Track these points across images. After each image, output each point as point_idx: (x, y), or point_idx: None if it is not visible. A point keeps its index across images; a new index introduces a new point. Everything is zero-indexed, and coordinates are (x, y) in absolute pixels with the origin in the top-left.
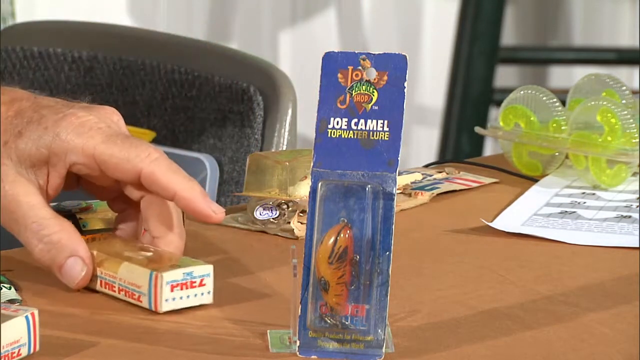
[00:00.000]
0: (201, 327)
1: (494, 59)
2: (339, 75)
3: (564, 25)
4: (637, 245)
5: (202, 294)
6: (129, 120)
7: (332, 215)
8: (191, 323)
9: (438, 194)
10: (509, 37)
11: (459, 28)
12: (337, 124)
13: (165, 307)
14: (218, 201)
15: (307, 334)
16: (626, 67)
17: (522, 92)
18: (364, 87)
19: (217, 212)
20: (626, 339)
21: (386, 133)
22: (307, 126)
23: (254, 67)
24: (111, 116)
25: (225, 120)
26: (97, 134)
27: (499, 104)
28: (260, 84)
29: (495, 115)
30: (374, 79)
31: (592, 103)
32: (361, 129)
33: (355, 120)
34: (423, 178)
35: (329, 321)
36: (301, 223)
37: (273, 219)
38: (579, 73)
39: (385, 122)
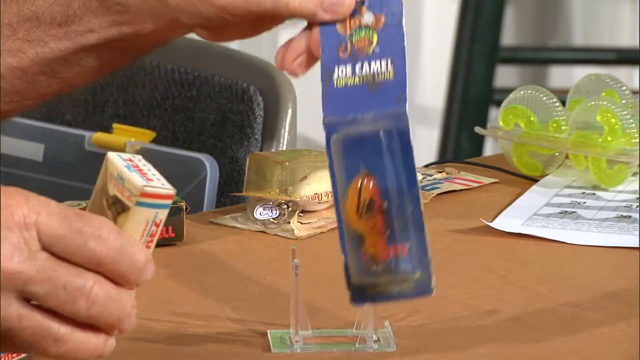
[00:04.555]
0: (201, 327)
1: (494, 59)
2: (338, 26)
3: (564, 25)
4: (637, 245)
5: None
6: (129, 120)
7: (351, 169)
8: (191, 323)
9: (438, 194)
10: (509, 37)
11: (459, 28)
12: (342, 72)
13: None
14: (218, 201)
15: (355, 286)
16: (626, 67)
17: (522, 92)
18: (362, 32)
19: None
20: (626, 339)
21: (390, 72)
22: (307, 126)
23: (254, 67)
24: None
25: (225, 120)
26: None
27: (499, 104)
28: (260, 84)
29: (495, 115)
30: (372, 23)
31: (592, 103)
32: (365, 72)
33: (359, 64)
34: (423, 178)
35: (373, 269)
36: (301, 223)
37: (273, 219)
38: (579, 73)
39: (388, 60)
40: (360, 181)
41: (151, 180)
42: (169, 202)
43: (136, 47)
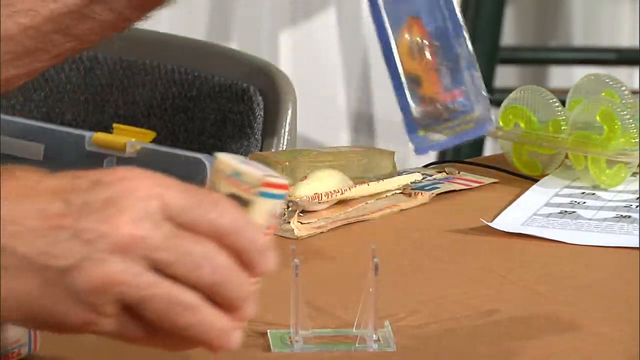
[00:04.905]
0: None
1: (494, 59)
2: None
3: (564, 25)
4: (637, 245)
5: None
6: (129, 121)
7: (399, 15)
8: None
9: (438, 194)
10: (509, 37)
11: None
12: None
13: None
14: None
15: (417, 135)
16: (626, 67)
17: (522, 92)
18: None
19: None
20: (626, 339)
21: None
22: (307, 126)
23: (254, 67)
24: None
25: (225, 120)
26: None
27: (499, 104)
28: (260, 84)
29: (495, 115)
30: None
31: (592, 103)
32: None
33: None
34: (423, 178)
35: (431, 110)
36: (301, 223)
37: None
38: (579, 73)
39: None
40: (409, 24)
41: (266, 171)
42: (286, 193)
43: None
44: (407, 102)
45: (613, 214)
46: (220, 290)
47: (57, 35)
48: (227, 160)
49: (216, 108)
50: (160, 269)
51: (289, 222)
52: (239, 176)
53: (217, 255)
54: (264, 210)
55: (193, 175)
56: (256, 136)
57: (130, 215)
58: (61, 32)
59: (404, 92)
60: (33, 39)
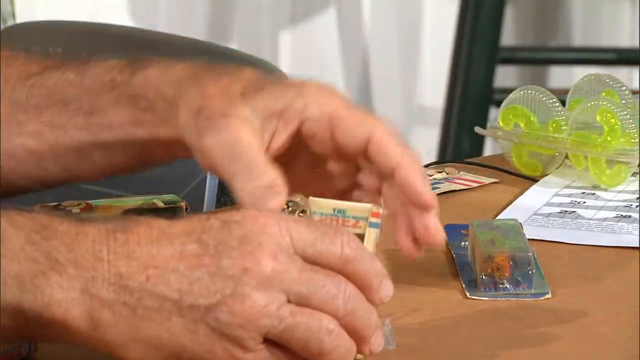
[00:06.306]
0: None
1: (494, 59)
2: None
3: (564, 25)
4: (637, 245)
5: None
6: None
7: None
8: None
9: (438, 194)
10: (509, 37)
11: (459, 28)
12: None
13: None
14: (218, 201)
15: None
16: (626, 67)
17: (522, 92)
18: None
19: (432, 202)
20: (626, 339)
21: None
22: None
23: (254, 67)
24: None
25: None
26: (338, 98)
27: (499, 104)
28: None
29: (495, 115)
30: None
31: (592, 103)
32: None
33: None
34: None
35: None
36: None
37: None
38: (579, 73)
39: None
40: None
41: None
42: (381, 220)
43: (146, 156)
44: None
45: (613, 214)
46: (352, 320)
47: (54, 168)
48: (325, 201)
49: None
50: (295, 302)
51: None
52: (343, 212)
53: (347, 285)
54: (372, 240)
55: (193, 175)
56: None
57: (268, 250)
58: (58, 166)
59: None
60: (34, 163)
